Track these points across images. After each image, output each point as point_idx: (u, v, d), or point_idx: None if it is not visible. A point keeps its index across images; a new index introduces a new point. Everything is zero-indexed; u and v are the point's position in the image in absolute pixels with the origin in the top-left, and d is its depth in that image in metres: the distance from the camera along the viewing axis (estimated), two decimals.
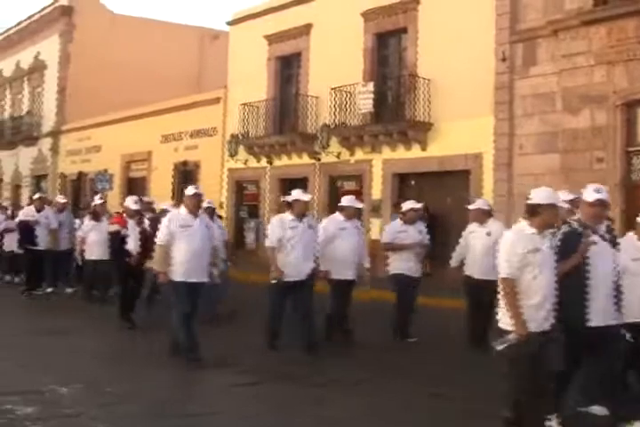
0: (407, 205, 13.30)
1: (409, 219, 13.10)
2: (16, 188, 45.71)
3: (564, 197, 8.59)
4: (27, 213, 19.03)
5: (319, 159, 25.13)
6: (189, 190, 11.02)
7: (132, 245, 13.86)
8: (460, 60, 20.84)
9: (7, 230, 20.47)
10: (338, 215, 12.66)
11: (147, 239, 13.62)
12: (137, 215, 14.15)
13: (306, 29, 26.26)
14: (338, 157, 24.45)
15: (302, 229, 11.46)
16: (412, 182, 22.68)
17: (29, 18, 45.41)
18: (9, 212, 22.15)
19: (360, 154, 23.94)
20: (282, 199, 12.13)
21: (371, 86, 22.72)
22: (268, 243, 11.59)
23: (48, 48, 42.58)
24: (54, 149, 41.98)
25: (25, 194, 43.37)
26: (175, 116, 31.85)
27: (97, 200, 18.53)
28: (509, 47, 19.99)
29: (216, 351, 11.37)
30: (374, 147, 23.32)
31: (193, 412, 8.40)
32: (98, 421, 7.95)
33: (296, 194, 11.84)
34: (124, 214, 14.32)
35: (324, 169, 25.12)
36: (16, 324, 14.16)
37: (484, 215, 12.40)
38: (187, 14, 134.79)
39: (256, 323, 12.68)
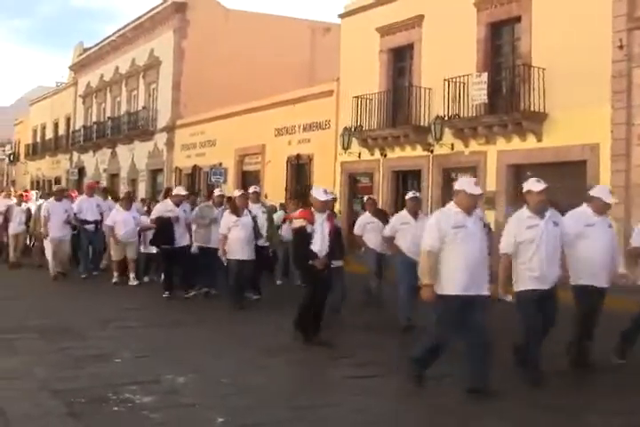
0: None
1: None
2: (132, 182, 46.58)
3: None
4: (163, 208, 17.55)
5: (432, 151, 24.97)
6: (466, 184, 9.01)
7: (320, 245, 11.80)
8: (575, 48, 20.44)
9: (144, 229, 18.98)
10: (586, 209, 10.40)
11: (335, 238, 12.21)
12: (327, 209, 12.16)
13: (418, 21, 26.08)
14: (451, 148, 24.28)
15: (545, 228, 9.46)
16: (528, 173, 22.36)
17: (144, 15, 46.19)
18: (138, 206, 21.24)
19: (474, 145, 23.71)
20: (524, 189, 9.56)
21: (484, 77, 22.47)
22: (502, 249, 9.54)
23: (162, 44, 43.31)
24: (169, 144, 42.63)
25: (141, 188, 44.21)
26: (288, 110, 32.00)
27: (236, 192, 16.76)
28: (627, 34, 19.48)
29: (337, 343, 11.48)
30: (488, 138, 23.06)
31: (307, 404, 8.48)
32: (213, 411, 8.08)
33: (530, 184, 9.66)
34: (312, 208, 12.07)
35: (438, 161, 24.95)
36: (136, 316, 14.48)
37: None
38: (298, 8, 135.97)
39: (376, 319, 12.72)
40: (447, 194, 23.47)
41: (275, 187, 31.04)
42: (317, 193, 12.08)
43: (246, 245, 15.47)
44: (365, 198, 17.58)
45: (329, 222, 11.98)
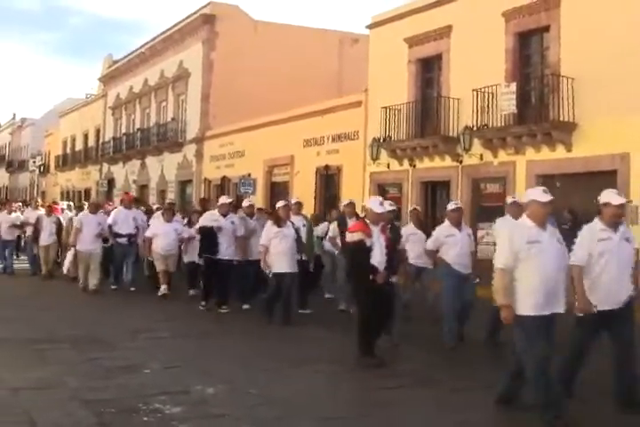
0: None
1: None
2: (161, 193, 46.75)
3: None
4: (209, 217, 17.10)
5: (461, 162, 24.91)
6: (535, 194, 8.45)
7: (379, 258, 11.19)
8: (604, 57, 20.33)
9: (186, 240, 18.85)
10: None
11: (392, 251, 11.62)
12: (381, 221, 11.51)
13: (446, 31, 26.05)
14: (480, 159, 24.20)
15: (617, 242, 8.76)
16: (557, 184, 22.27)
17: (172, 27, 46.43)
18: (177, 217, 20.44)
19: (503, 156, 23.60)
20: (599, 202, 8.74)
21: (513, 87, 22.39)
22: (576, 261, 8.69)
23: (191, 56, 43.48)
24: (198, 155, 42.73)
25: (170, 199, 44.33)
26: (317, 121, 32.02)
27: (280, 203, 15.86)
28: None
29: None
30: (517, 148, 22.96)
31: (335, 415, 8.50)
32: (242, 421, 8.15)
33: (610, 196, 8.88)
34: (367, 219, 11.50)
35: (467, 171, 24.87)
36: (164, 327, 14.51)
37: None
38: (326, 19, 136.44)
39: (407, 331, 12.70)
40: (476, 204, 23.56)
41: (304, 198, 30.86)
42: (373, 205, 11.51)
43: (288, 258, 14.90)
44: (410, 209, 17.02)
45: (384, 234, 11.43)
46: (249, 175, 35.37)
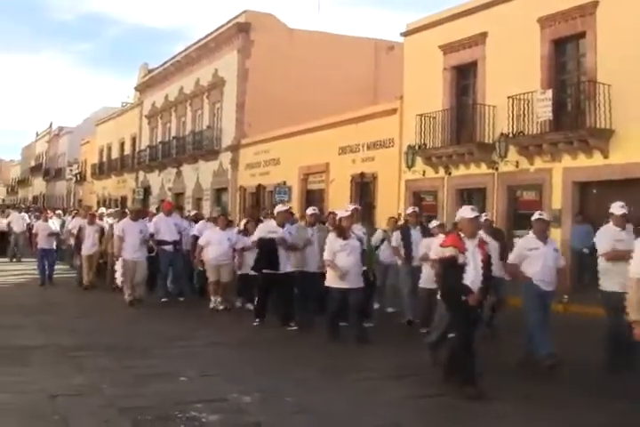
0: None
1: None
2: (197, 201, 46.90)
3: None
4: (265, 229, 15.90)
5: (497, 169, 24.82)
6: None
7: (473, 277, 9.92)
8: None
9: (244, 249, 17.72)
10: None
11: (489, 269, 10.26)
12: (477, 229, 10.44)
13: (481, 38, 25.99)
14: (516, 166, 24.09)
15: None
16: (594, 191, 22.14)
17: (208, 36, 46.63)
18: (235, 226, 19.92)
19: (539, 163, 23.49)
20: None
21: (549, 94, 22.30)
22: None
23: (226, 64, 43.64)
24: (234, 163, 42.85)
25: (206, 207, 44.36)
26: (352, 128, 32.02)
27: (342, 213, 14.53)
28: None
29: (400, 362, 11.39)
30: (554, 155, 22.85)
31: (370, 424, 8.47)
32: None
33: None
34: (461, 232, 10.21)
35: (503, 179, 24.78)
36: (200, 336, 14.53)
37: None
38: (361, 27, 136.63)
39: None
40: (512, 211, 23.43)
41: (339, 206, 30.92)
42: (465, 212, 10.33)
43: (355, 272, 13.77)
44: (483, 219, 14.48)
45: (481, 250, 10.17)
46: (284, 183, 35.46)
